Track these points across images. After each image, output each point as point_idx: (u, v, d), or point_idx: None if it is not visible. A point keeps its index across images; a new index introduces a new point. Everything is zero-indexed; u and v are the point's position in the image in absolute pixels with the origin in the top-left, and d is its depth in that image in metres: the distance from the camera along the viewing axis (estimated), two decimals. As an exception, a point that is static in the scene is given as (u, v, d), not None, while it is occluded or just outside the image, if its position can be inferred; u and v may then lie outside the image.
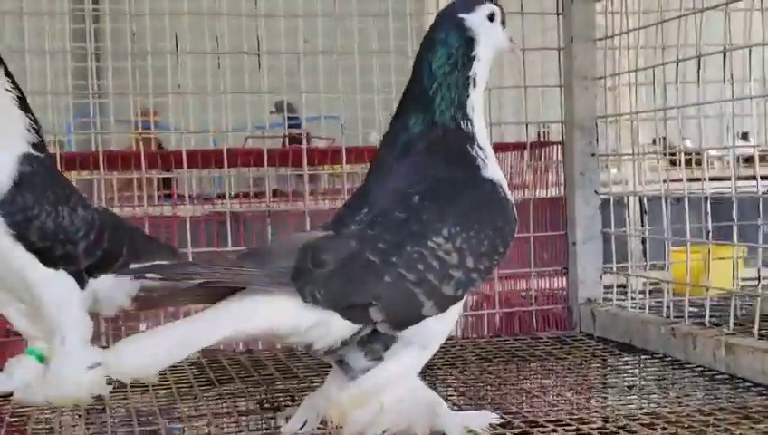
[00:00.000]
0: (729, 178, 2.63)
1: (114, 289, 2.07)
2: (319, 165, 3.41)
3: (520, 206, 2.75)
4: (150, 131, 4.86)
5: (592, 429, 1.65)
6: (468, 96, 1.68)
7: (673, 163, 3.57)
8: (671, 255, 2.72)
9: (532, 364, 2.27)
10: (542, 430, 1.65)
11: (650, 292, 2.61)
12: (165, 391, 2.08)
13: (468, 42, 1.68)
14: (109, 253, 2.06)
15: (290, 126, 4.32)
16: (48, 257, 2.00)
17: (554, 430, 1.64)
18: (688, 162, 3.73)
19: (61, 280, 2.01)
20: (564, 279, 2.74)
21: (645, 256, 2.94)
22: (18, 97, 2.03)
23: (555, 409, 1.81)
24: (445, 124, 1.67)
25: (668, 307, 2.38)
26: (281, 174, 3.35)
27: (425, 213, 1.58)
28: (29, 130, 2.02)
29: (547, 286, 2.81)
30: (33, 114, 2.06)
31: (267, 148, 2.90)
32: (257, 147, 3.27)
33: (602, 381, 2.16)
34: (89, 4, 3.65)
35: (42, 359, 2.06)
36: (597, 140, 2.67)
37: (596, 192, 2.67)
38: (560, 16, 2.69)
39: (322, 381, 1.72)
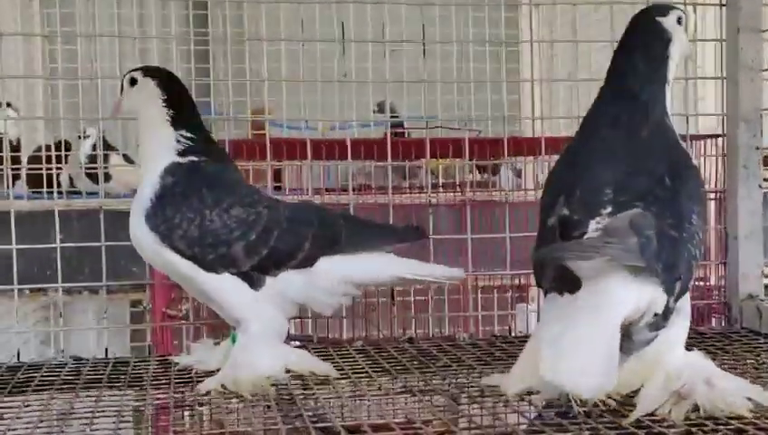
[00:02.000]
0: None
1: (311, 285, 1.93)
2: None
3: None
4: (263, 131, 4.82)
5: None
6: (665, 93, 1.80)
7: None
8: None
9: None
10: None
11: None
12: (345, 381, 1.96)
13: (666, 43, 1.80)
14: (279, 250, 1.90)
15: (392, 125, 4.25)
16: (203, 263, 1.89)
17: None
18: None
19: (224, 282, 1.90)
20: (722, 274, 2.56)
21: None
22: (172, 116, 1.98)
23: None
24: (657, 120, 1.76)
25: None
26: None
27: (681, 195, 1.66)
28: (178, 141, 1.97)
29: (703, 282, 2.63)
30: (192, 124, 2.00)
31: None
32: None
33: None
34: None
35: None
36: (761, 133, 2.49)
37: (759, 186, 2.49)
38: (723, 7, 2.51)
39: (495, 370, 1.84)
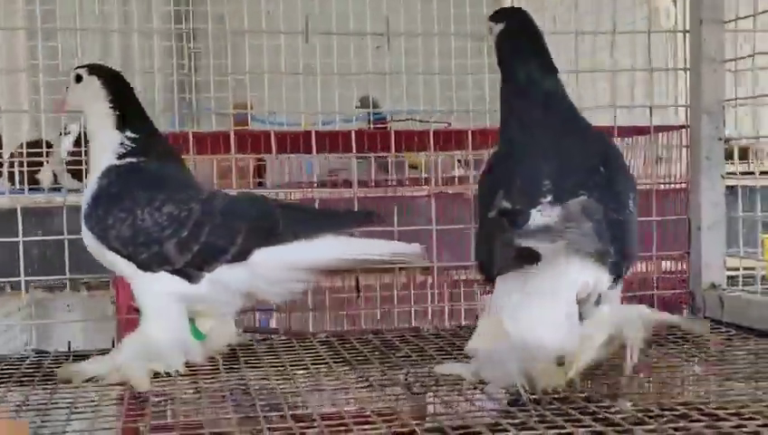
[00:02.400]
0: None
1: (250, 277, 1.89)
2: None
3: (643, 190, 2.61)
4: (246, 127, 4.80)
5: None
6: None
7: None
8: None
9: (669, 350, 2.08)
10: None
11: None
12: (302, 372, 1.95)
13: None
14: (211, 245, 1.87)
15: (375, 120, 4.25)
16: (138, 262, 1.88)
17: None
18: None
19: (154, 281, 1.88)
20: (685, 264, 2.56)
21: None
22: (117, 116, 1.97)
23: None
24: (573, 112, 1.90)
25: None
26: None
27: (617, 182, 1.76)
28: (121, 143, 1.96)
29: (666, 271, 2.63)
30: (136, 124, 1.99)
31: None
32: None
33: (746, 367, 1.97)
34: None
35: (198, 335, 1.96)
36: (724, 124, 2.49)
37: (722, 177, 2.48)
38: (685, -1, 2.52)
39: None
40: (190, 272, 1.87)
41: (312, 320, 2.56)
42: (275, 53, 2.64)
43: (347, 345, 2.19)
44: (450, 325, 2.51)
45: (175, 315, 1.89)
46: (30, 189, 4.40)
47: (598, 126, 2.59)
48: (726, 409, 1.54)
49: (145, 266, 1.88)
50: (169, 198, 1.89)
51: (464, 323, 2.55)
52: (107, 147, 1.97)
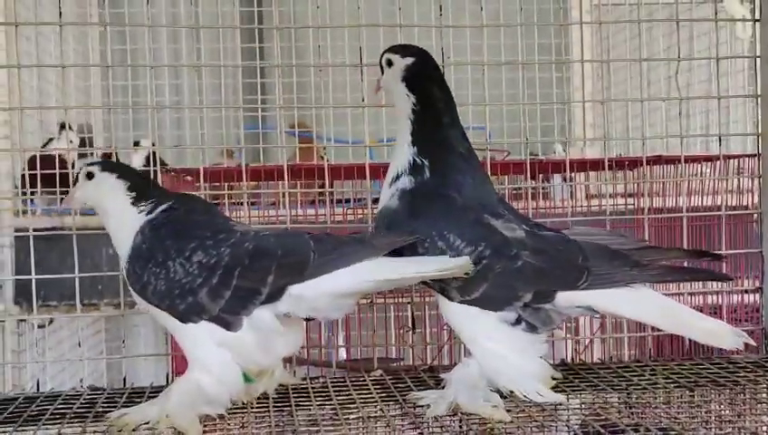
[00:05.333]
0: None
1: (292, 311, 1.82)
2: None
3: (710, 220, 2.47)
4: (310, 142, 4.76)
5: None
6: None
7: None
8: None
9: (742, 395, 1.94)
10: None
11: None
12: (354, 415, 1.86)
13: None
14: (242, 288, 1.79)
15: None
16: (177, 314, 1.82)
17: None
18: None
19: (195, 331, 1.82)
20: (759, 300, 2.40)
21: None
22: (134, 198, 1.93)
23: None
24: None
25: None
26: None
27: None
28: (140, 211, 1.91)
29: (739, 307, 2.47)
30: (147, 193, 1.94)
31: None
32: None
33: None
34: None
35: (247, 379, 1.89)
36: (797, 153, 2.32)
37: (796, 208, 2.32)
38: (757, 23, 2.36)
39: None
40: (227, 319, 1.80)
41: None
42: (340, 73, 2.57)
43: (400, 385, 2.09)
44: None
45: (219, 360, 1.82)
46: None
47: (666, 155, 2.50)
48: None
49: (185, 318, 1.82)
50: (199, 245, 1.83)
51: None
52: (130, 220, 1.92)
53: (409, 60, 1.99)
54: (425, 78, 1.99)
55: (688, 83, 2.55)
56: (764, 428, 1.75)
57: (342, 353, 2.91)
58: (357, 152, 4.26)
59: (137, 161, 5.06)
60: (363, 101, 2.42)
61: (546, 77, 4.88)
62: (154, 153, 2.47)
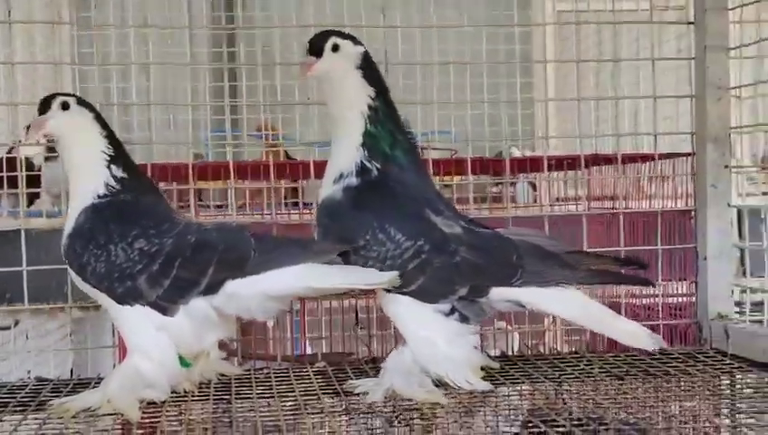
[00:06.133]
0: None
1: (222, 309, 1.86)
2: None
3: (648, 217, 2.52)
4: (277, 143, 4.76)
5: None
6: None
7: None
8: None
9: (668, 384, 2.00)
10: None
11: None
12: (291, 402, 1.91)
13: None
14: (182, 278, 1.83)
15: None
16: (114, 297, 1.86)
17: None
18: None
19: (132, 315, 1.85)
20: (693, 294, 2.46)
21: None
22: (111, 154, 1.94)
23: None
24: None
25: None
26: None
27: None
28: (106, 184, 1.92)
29: (673, 301, 2.53)
30: (125, 162, 1.96)
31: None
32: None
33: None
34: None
35: (184, 363, 1.92)
36: (730, 152, 2.39)
37: (729, 205, 2.38)
38: (690, 25, 2.43)
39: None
40: (164, 305, 1.84)
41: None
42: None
43: (341, 375, 2.13)
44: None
45: (157, 345, 1.85)
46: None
47: (602, 154, 2.55)
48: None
49: (121, 301, 1.86)
50: (142, 233, 1.86)
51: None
52: (92, 181, 1.94)
53: (361, 48, 1.93)
54: (378, 71, 1.96)
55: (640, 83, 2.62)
56: (686, 412, 1.79)
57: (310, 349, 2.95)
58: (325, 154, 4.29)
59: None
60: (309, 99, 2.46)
61: (512, 82, 4.93)
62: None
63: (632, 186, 2.62)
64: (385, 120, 1.94)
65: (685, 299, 2.53)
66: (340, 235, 1.88)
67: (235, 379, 2.08)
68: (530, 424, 1.63)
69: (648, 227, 2.46)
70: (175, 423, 1.76)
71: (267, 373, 2.18)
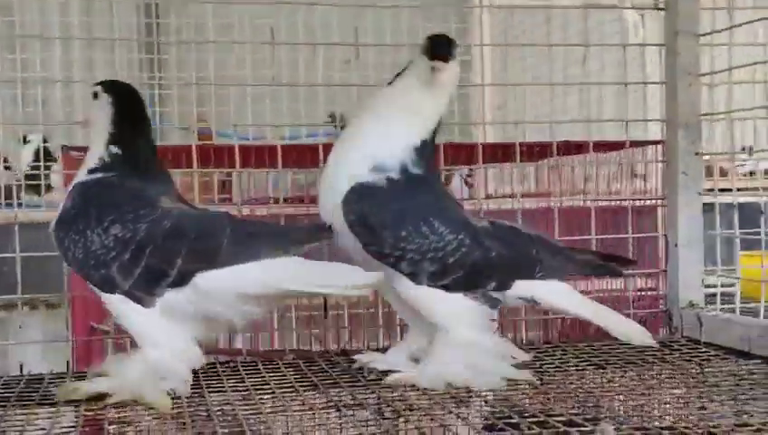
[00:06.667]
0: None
1: (196, 303, 1.70)
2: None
3: (617, 207, 2.50)
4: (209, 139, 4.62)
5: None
6: None
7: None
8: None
9: (649, 372, 1.96)
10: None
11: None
12: (268, 396, 1.80)
13: None
14: (151, 268, 1.68)
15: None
16: (94, 284, 1.74)
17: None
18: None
19: (117, 302, 1.73)
20: (662, 282, 2.44)
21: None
22: (112, 133, 1.86)
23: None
24: None
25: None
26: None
27: None
28: (99, 158, 1.85)
29: (644, 289, 2.51)
30: (128, 140, 1.87)
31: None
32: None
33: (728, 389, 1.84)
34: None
35: None
36: (700, 139, 2.37)
37: (699, 193, 2.37)
38: (661, 11, 2.40)
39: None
40: (138, 295, 1.70)
41: (278, 339, 2.41)
42: (241, 67, 2.51)
43: (314, 368, 2.03)
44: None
45: (163, 331, 1.72)
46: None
47: (573, 140, 2.51)
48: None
49: (101, 288, 1.73)
50: (119, 218, 1.73)
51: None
52: (91, 159, 1.86)
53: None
54: None
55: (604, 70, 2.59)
56: (677, 399, 1.75)
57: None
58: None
59: (26, 156, 4.86)
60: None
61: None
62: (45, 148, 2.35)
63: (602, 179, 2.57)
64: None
65: (650, 293, 2.50)
66: (382, 222, 1.81)
67: (201, 372, 1.96)
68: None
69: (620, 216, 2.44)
70: (149, 418, 1.64)
71: (234, 367, 2.07)
